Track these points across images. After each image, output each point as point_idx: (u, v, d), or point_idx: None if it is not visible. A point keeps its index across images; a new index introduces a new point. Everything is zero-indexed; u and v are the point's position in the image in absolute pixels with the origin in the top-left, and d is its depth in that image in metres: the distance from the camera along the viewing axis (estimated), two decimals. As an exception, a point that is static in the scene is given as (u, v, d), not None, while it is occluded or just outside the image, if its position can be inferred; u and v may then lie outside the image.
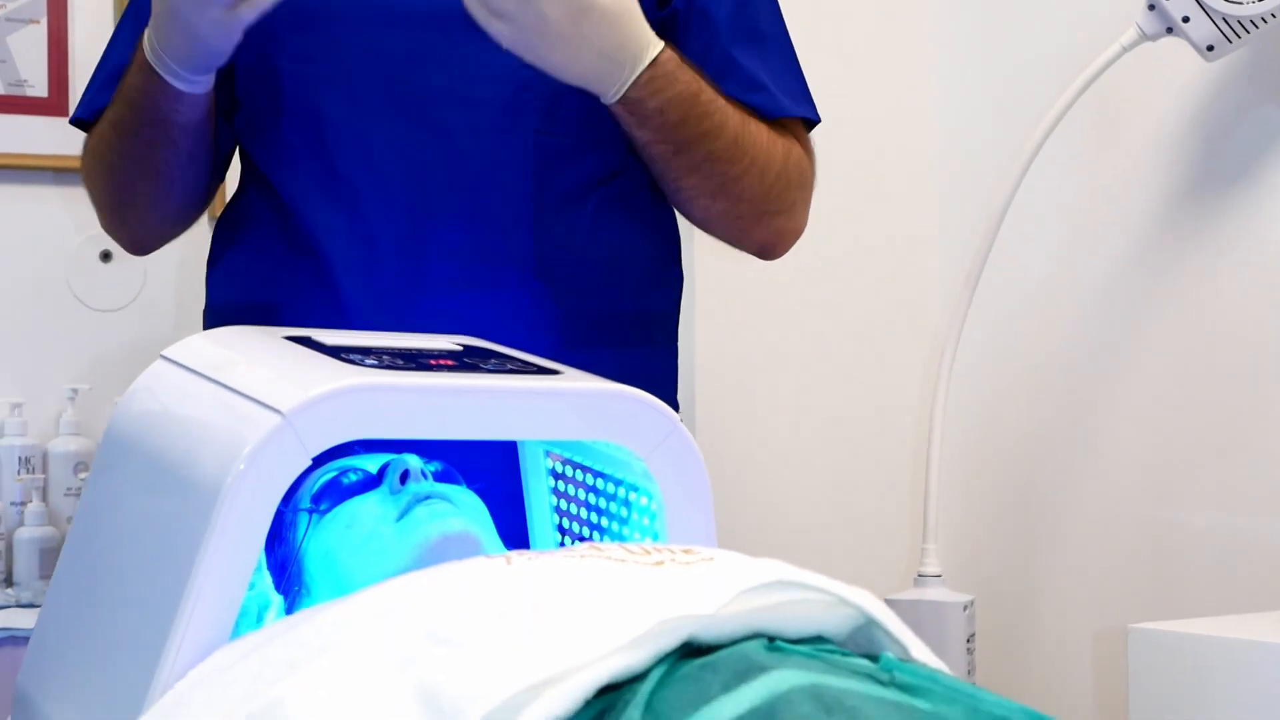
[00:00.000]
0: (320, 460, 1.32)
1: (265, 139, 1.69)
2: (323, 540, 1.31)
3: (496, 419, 1.24)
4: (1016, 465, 2.73)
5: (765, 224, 1.68)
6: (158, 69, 1.55)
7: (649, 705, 0.92)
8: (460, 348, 1.38)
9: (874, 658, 1.01)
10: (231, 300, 1.71)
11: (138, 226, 1.76)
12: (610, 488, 1.39)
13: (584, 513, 1.43)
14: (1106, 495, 2.56)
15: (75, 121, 1.76)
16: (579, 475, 1.43)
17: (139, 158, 1.65)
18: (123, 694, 1.15)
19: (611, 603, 1.02)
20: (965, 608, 2.42)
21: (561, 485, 1.45)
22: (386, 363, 1.26)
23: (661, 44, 1.53)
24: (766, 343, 2.79)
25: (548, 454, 1.46)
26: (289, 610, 1.30)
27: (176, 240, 1.79)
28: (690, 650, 0.98)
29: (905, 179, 2.89)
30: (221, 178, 1.78)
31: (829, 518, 2.78)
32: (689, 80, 1.55)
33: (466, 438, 1.25)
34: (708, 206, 1.65)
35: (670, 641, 0.96)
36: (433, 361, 1.29)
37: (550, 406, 1.26)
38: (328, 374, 1.19)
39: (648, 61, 1.52)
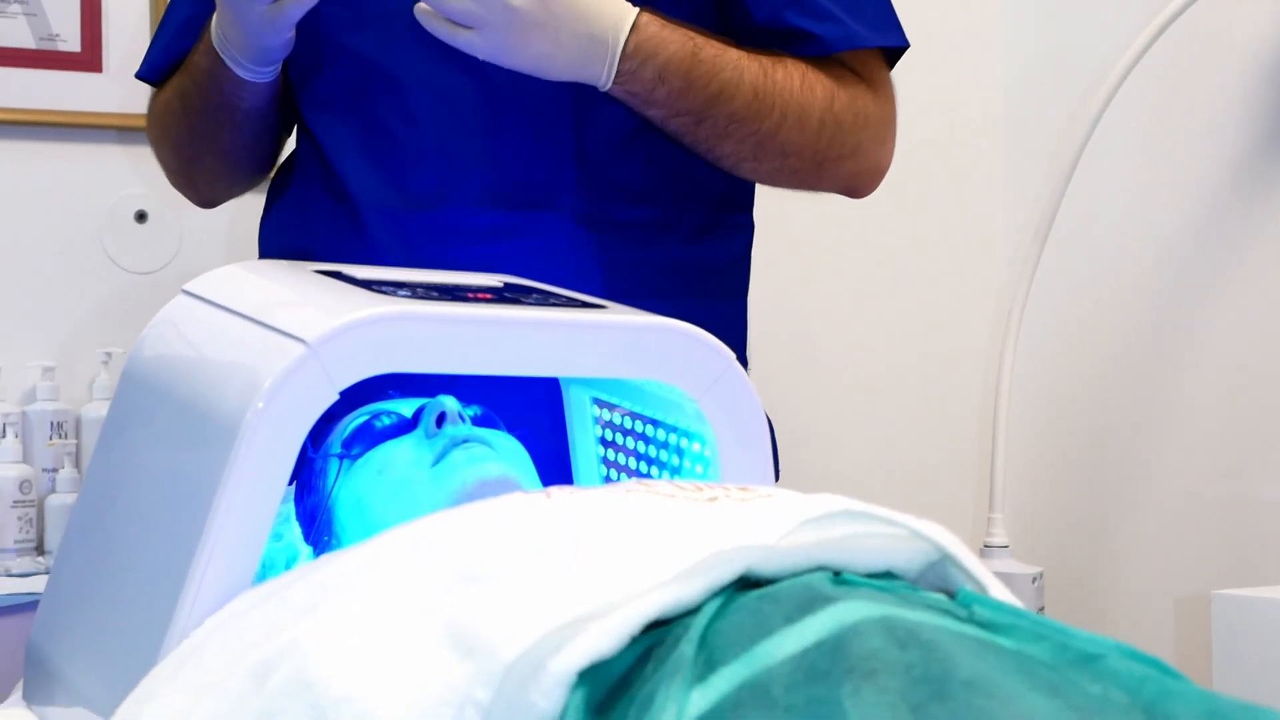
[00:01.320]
0: (352, 403, 1.25)
1: (308, 88, 1.65)
2: (354, 487, 1.24)
3: (536, 353, 1.16)
4: (1088, 430, 2.64)
5: (830, 171, 1.59)
6: (223, 55, 1.54)
7: (703, 640, 0.84)
8: (501, 284, 1.30)
9: (950, 594, 0.93)
10: (276, 250, 1.67)
11: (205, 189, 1.76)
12: (661, 434, 1.31)
13: (633, 462, 1.35)
14: (1183, 462, 2.47)
15: (142, 78, 1.75)
16: (627, 422, 1.35)
17: (204, 134, 1.65)
18: (138, 644, 1.09)
19: (660, 536, 0.94)
20: (1034, 580, 2.34)
21: (609, 434, 1.38)
22: (421, 295, 1.18)
23: (636, 9, 1.45)
24: (824, 300, 2.71)
25: (594, 401, 1.38)
26: (318, 562, 1.23)
27: (214, 200, 1.79)
28: (747, 585, 0.89)
29: (969, 129, 2.80)
30: (289, 133, 1.77)
31: (889, 485, 2.70)
32: (680, 40, 1.47)
33: (503, 373, 1.17)
34: (755, 169, 1.57)
35: (726, 574, 0.88)
36: (470, 295, 1.21)
37: (594, 341, 1.18)
38: (357, 303, 1.12)
39: (628, 28, 1.44)
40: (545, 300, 1.24)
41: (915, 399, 2.77)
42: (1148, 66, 2.37)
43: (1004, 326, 2.45)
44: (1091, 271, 2.63)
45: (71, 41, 2.26)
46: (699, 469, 1.27)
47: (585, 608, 0.86)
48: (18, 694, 1.27)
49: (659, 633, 0.86)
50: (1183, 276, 2.48)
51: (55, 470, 2.18)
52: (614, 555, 0.91)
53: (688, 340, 1.21)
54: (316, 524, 1.25)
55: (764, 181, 1.62)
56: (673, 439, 1.29)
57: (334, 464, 1.26)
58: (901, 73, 1.65)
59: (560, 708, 0.83)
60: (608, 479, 1.38)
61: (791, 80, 1.53)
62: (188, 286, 1.26)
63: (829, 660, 0.80)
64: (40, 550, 2.17)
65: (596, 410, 1.39)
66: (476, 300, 1.19)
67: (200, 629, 1.05)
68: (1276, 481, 2.34)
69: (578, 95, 1.53)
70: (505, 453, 1.24)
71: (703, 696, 0.81)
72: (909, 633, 0.82)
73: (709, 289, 1.63)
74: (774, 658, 0.82)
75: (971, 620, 0.88)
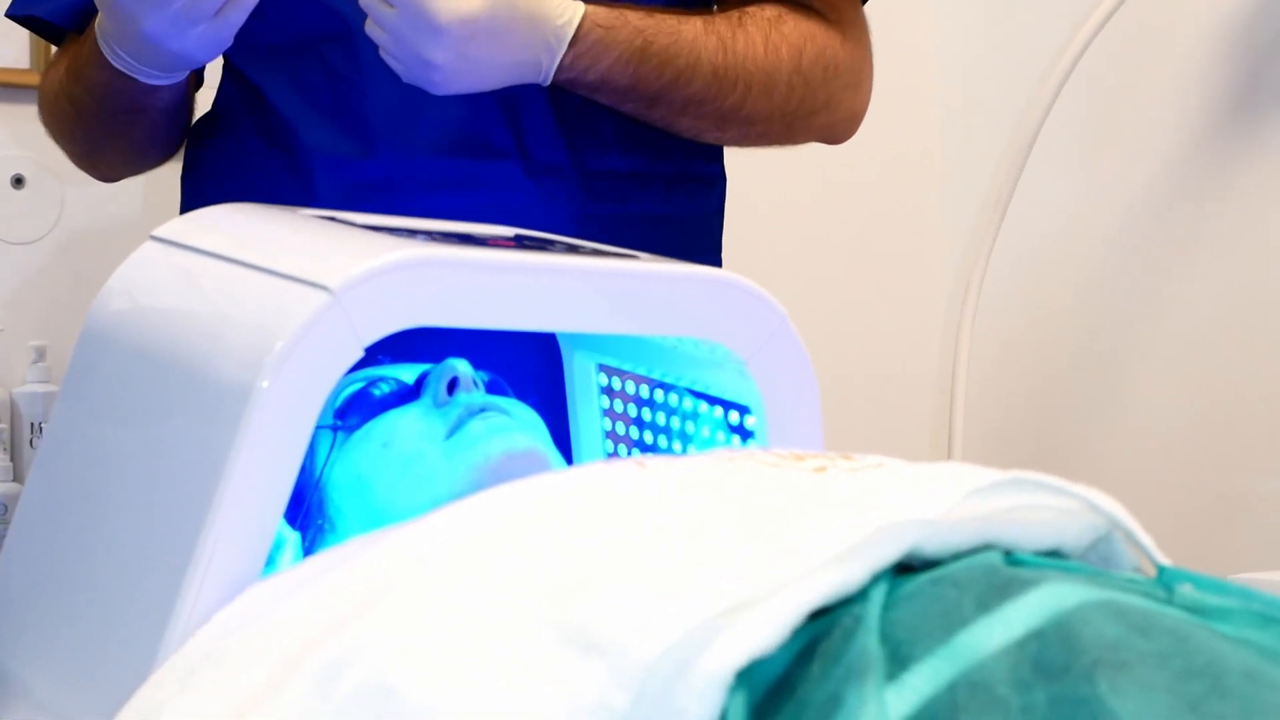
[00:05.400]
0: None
1: (248, 38, 1.47)
2: (351, 463, 1.09)
3: (583, 307, 1.02)
4: (1050, 419, 2.54)
5: (801, 128, 1.52)
6: (130, 73, 1.35)
7: (882, 631, 0.70)
8: (512, 233, 1.16)
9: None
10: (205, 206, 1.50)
11: (111, 172, 1.60)
12: (689, 403, 1.17)
13: (649, 436, 1.21)
14: (1150, 452, 2.37)
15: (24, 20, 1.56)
16: (643, 390, 1.21)
17: (109, 134, 1.49)
18: (126, 648, 0.93)
19: (796, 511, 0.80)
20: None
21: (618, 405, 1.24)
22: (440, 241, 1.03)
23: (580, 14, 1.34)
24: (771, 276, 2.59)
25: (600, 368, 1.24)
26: (307, 550, 1.08)
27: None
28: (902, 567, 0.76)
29: (915, 120, 2.69)
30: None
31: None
32: (625, 41, 1.37)
33: (544, 328, 1.04)
34: (719, 137, 1.51)
35: (890, 553, 0.74)
36: (491, 243, 1.07)
37: (647, 293, 1.04)
38: (380, 247, 0.96)
39: (560, 52, 1.34)
40: (573, 250, 1.10)
41: (867, 394, 2.65)
42: (1094, 55, 2.30)
43: (958, 317, 2.36)
44: (1042, 257, 2.54)
45: (-62, -14, 2.06)
46: (735, 440, 1.13)
47: (731, 597, 0.72)
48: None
49: (820, 624, 0.72)
50: (1136, 263, 2.40)
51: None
52: (749, 535, 0.77)
53: (741, 294, 1.07)
54: (305, 506, 1.10)
55: (730, 145, 1.55)
56: (703, 408, 1.16)
57: (326, 437, 1.10)
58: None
59: (716, 714, 0.69)
60: (614, 454, 1.24)
61: (754, 47, 1.44)
62: (157, 232, 1.09)
63: (1062, 652, 0.67)
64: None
65: (603, 378, 1.24)
66: (503, 248, 1.04)
67: (207, 628, 0.89)
68: (1246, 470, 2.26)
69: None
70: (525, 423, 1.10)
71: (901, 699, 0.67)
72: (1144, 619, 0.69)
73: (687, 246, 1.51)
74: (983, 651, 0.68)
75: (1171, 603, 0.76)
